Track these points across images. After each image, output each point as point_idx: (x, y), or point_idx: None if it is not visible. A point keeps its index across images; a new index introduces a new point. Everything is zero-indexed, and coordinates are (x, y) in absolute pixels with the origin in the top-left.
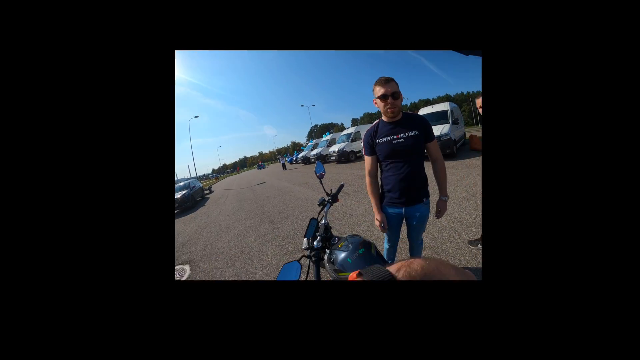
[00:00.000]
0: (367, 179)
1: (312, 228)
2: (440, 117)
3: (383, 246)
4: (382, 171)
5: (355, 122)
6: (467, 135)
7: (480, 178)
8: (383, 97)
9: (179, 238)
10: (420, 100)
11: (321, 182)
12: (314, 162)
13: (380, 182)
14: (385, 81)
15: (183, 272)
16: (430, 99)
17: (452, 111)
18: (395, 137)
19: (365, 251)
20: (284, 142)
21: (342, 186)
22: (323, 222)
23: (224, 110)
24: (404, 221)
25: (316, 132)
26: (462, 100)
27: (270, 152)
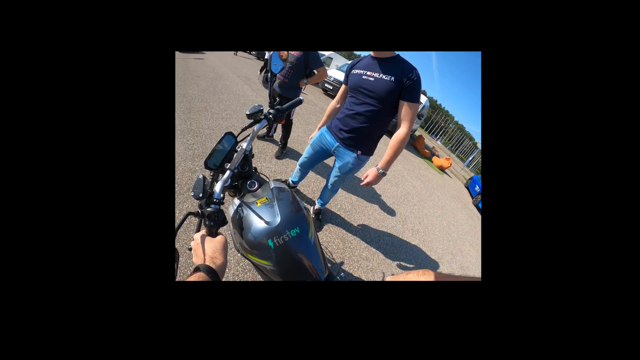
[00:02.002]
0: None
1: (221, 154)
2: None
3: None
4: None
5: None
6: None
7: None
8: None
9: None
10: None
11: (269, 85)
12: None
13: None
14: None
15: None
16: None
17: (424, 106)
18: (368, 73)
19: (299, 233)
20: None
21: (298, 101)
22: (244, 147)
23: None
24: (331, 159)
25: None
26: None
27: None
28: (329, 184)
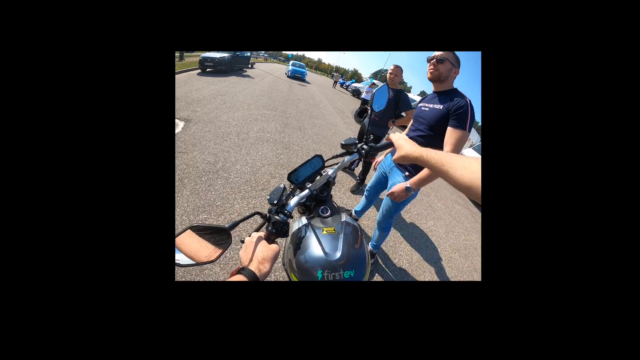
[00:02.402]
0: None
1: (306, 171)
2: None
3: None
4: None
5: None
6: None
7: None
8: (429, 59)
9: (193, 94)
10: None
11: (368, 119)
12: (363, 98)
13: None
14: None
15: (176, 126)
16: None
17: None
18: (426, 104)
19: (352, 277)
20: (347, 64)
21: (391, 144)
22: (329, 173)
23: None
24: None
25: (381, 78)
26: None
27: (329, 65)
28: (379, 218)
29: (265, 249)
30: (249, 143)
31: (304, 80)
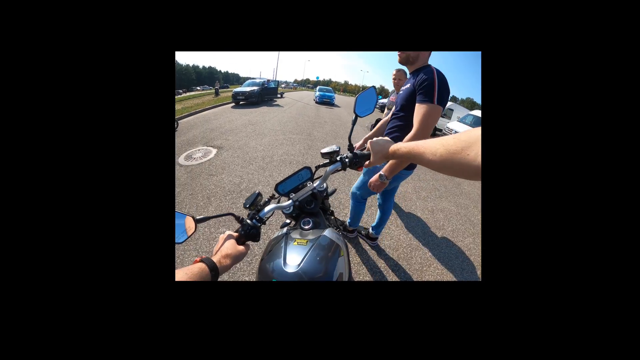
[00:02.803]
0: None
1: (293, 183)
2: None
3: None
4: None
5: (454, 102)
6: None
7: None
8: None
9: (227, 125)
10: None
11: (353, 124)
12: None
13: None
14: None
15: (209, 153)
16: None
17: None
18: (403, 87)
19: None
20: (372, 81)
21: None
22: (314, 184)
23: None
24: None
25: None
26: None
27: (355, 85)
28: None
29: (232, 247)
30: (272, 166)
31: (332, 104)
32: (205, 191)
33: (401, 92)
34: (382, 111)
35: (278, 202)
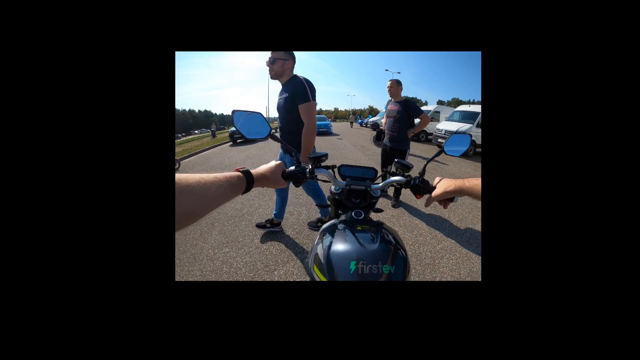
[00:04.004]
0: None
1: (355, 172)
2: (470, 117)
3: None
4: None
5: (441, 105)
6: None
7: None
8: (267, 63)
9: (227, 161)
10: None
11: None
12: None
13: None
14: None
15: None
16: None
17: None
18: (280, 98)
19: (393, 273)
20: (361, 104)
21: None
22: (372, 185)
23: (307, 61)
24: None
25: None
26: None
27: (345, 110)
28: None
29: (276, 173)
30: (271, 191)
31: (330, 133)
32: (208, 217)
33: (281, 101)
34: (376, 128)
35: (334, 176)
